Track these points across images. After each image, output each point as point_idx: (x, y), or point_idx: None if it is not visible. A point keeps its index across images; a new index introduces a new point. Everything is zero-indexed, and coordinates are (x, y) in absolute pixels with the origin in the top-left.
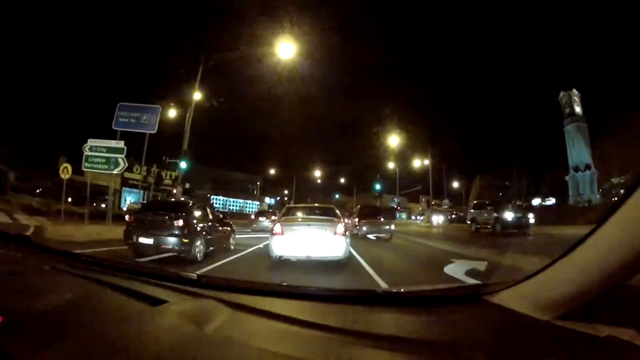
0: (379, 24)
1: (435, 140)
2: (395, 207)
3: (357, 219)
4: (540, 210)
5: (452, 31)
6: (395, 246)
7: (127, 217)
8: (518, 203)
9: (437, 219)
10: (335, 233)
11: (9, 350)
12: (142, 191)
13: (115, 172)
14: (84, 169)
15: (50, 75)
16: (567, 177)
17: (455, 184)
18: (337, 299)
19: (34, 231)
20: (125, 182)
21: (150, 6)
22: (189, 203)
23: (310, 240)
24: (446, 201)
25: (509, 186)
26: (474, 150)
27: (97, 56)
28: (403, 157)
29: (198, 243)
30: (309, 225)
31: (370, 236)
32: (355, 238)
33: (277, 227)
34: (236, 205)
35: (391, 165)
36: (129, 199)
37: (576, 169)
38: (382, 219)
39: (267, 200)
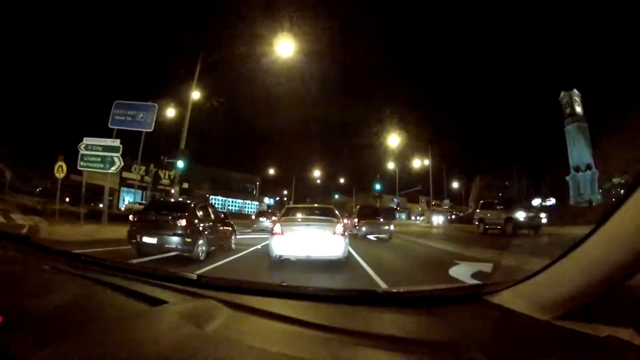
0: (379, 24)
1: (435, 140)
2: (394, 207)
3: (356, 220)
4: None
5: (452, 31)
6: (395, 247)
7: (130, 216)
8: (530, 202)
9: (437, 220)
10: (334, 233)
11: (9, 350)
12: (140, 191)
13: (111, 170)
14: (79, 168)
15: (52, 74)
16: (567, 177)
17: (455, 184)
18: (337, 299)
19: (28, 231)
20: (124, 182)
21: (148, 3)
22: (192, 203)
23: (309, 240)
24: (447, 201)
25: (509, 186)
26: (474, 150)
27: (96, 55)
28: (403, 157)
29: (201, 242)
30: (308, 225)
31: (371, 237)
32: (355, 238)
33: (277, 227)
34: (235, 206)
35: (391, 165)
36: (128, 198)
37: (577, 169)
38: (381, 220)
39: (266, 200)
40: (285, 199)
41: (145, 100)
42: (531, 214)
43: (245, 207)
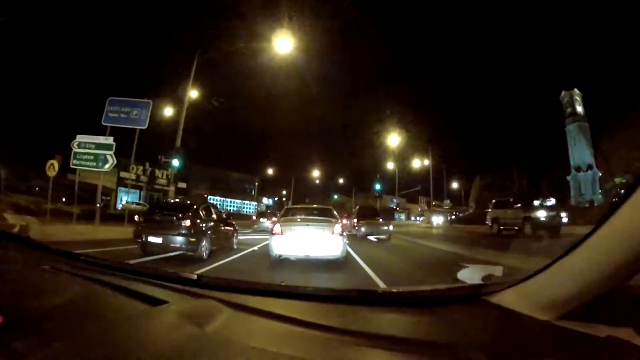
0: (378, 24)
1: (435, 140)
2: (394, 207)
3: (355, 220)
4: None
5: (452, 31)
6: (395, 247)
7: (136, 217)
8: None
9: (437, 220)
10: (332, 233)
11: (9, 350)
12: (139, 191)
13: (104, 169)
14: (72, 166)
15: (51, 72)
16: (568, 177)
17: (455, 185)
18: (338, 299)
19: (19, 230)
20: (122, 182)
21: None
22: (196, 204)
23: (308, 240)
24: (447, 201)
25: (510, 186)
26: (474, 150)
27: (95, 54)
28: (402, 157)
29: (204, 242)
30: (307, 225)
31: (372, 237)
32: (354, 239)
33: (277, 227)
34: (234, 206)
35: (390, 165)
36: (125, 198)
37: (578, 169)
38: (380, 220)
39: (265, 200)
40: (284, 199)
41: (144, 97)
42: (552, 213)
43: (244, 207)
